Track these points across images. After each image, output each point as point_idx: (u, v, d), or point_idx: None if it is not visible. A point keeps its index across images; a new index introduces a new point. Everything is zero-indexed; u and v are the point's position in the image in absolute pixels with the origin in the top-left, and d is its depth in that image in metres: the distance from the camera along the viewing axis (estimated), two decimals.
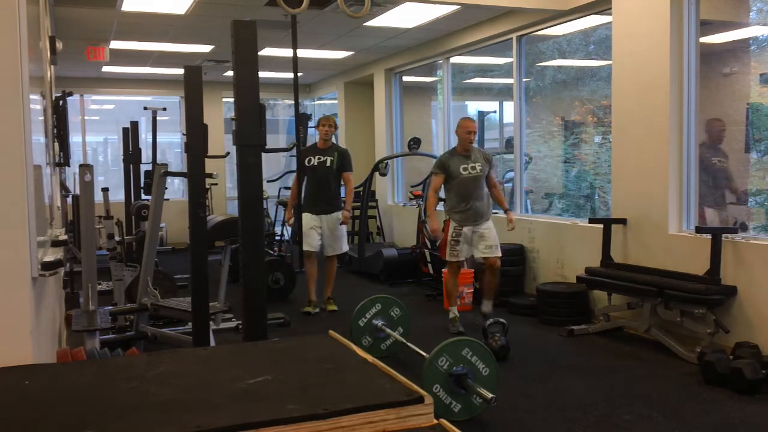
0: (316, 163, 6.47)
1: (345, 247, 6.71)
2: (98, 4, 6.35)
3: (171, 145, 13.21)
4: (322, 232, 6.49)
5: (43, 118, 3.16)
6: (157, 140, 9.04)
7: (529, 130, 7.79)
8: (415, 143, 8.31)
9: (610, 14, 5.82)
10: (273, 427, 1.31)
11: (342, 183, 6.66)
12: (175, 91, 11.49)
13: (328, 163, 6.47)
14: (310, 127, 9.98)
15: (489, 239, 5.66)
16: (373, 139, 10.47)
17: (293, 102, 4.19)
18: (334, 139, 6.91)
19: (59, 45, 5.03)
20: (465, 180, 5.63)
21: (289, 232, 9.41)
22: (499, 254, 5.69)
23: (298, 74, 3.70)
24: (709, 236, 4.84)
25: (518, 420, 3.81)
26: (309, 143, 8.54)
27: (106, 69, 10.29)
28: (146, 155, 8.57)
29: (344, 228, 6.60)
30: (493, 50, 8.14)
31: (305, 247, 6.47)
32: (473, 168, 5.64)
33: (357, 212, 8.50)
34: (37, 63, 2.95)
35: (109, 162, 13.71)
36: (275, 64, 9.30)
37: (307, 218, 6.47)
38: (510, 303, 6.37)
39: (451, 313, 5.76)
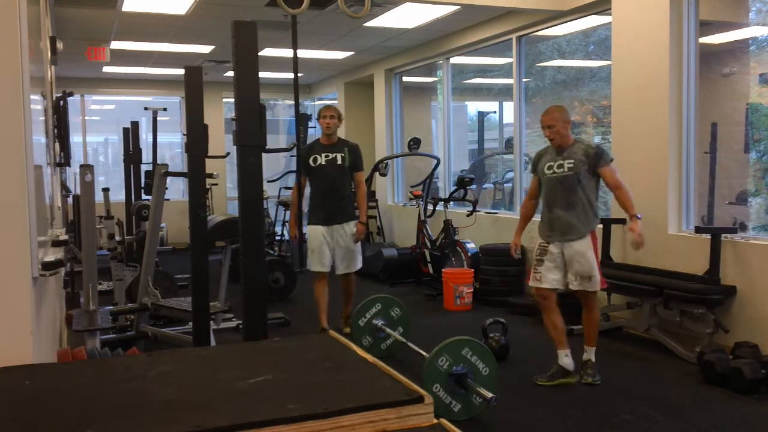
0: (324, 162, 5.40)
1: (359, 264, 5.62)
2: (99, 5, 6.36)
3: (171, 145, 13.22)
4: (334, 247, 5.44)
5: (43, 118, 3.16)
6: (158, 140, 9.06)
7: (529, 131, 7.78)
8: (415, 143, 8.31)
9: (610, 14, 5.82)
10: (273, 426, 1.32)
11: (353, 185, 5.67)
12: (175, 91, 11.50)
13: (339, 161, 5.42)
14: (310, 127, 9.98)
15: (579, 266, 4.28)
16: (373, 140, 10.47)
17: (293, 102, 4.19)
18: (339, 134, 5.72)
19: (60, 45, 5.04)
20: (549, 182, 4.42)
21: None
22: (596, 288, 4.30)
23: (299, 74, 3.71)
24: (708, 236, 4.85)
25: (518, 420, 3.81)
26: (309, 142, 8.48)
27: (106, 69, 10.30)
28: (147, 155, 8.59)
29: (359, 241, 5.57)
30: (493, 50, 8.15)
31: (315, 267, 5.44)
32: (560, 166, 4.34)
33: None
34: (37, 63, 2.95)
35: (109, 162, 13.74)
36: (275, 64, 9.30)
37: (315, 232, 5.43)
38: (510, 303, 6.38)
39: (561, 357, 4.40)
